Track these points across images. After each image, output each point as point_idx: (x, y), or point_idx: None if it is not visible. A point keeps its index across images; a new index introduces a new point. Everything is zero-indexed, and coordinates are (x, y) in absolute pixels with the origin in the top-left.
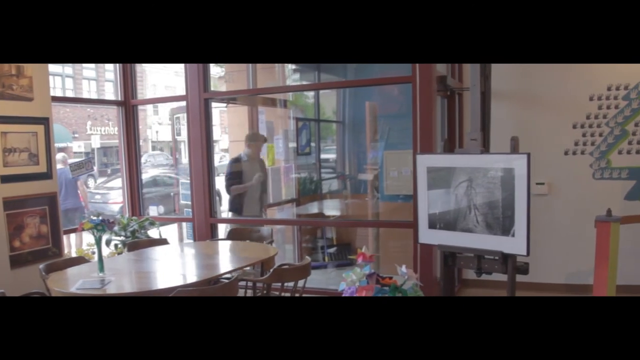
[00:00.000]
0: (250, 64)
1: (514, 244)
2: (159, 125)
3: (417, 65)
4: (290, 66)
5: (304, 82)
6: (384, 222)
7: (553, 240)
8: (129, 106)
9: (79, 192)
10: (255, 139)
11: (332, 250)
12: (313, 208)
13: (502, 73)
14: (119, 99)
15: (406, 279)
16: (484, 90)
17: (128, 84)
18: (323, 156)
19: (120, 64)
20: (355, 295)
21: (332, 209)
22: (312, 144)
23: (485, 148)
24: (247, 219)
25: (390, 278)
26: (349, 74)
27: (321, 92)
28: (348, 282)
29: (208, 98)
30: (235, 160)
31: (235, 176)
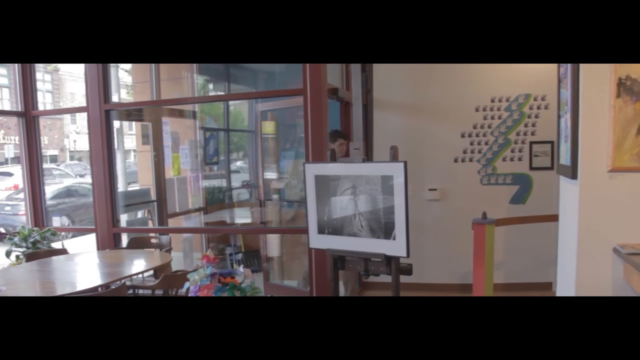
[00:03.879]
0: (153, 75)
1: (395, 247)
2: (77, 134)
3: (308, 77)
4: (200, 76)
5: (218, 93)
6: (281, 228)
7: (444, 242)
8: (29, 117)
9: None
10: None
11: (240, 257)
12: (220, 216)
13: (394, 86)
14: (19, 109)
15: (244, 279)
16: (366, 103)
17: (28, 94)
18: (235, 165)
19: (19, 72)
20: (198, 294)
21: (239, 217)
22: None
23: (367, 157)
24: (150, 228)
25: (232, 277)
26: (260, 85)
27: (237, 101)
28: (191, 281)
29: (109, 109)
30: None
31: None
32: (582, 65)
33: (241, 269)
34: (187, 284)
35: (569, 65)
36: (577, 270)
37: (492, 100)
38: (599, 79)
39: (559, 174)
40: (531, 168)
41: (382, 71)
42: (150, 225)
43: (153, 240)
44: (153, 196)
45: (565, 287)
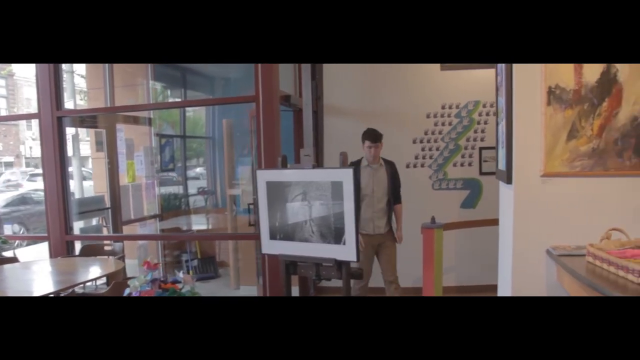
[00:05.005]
0: (107, 81)
1: (345, 251)
2: (33, 140)
3: (260, 84)
4: (155, 83)
5: (175, 99)
6: (234, 234)
7: (397, 247)
8: None
9: None
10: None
11: (195, 263)
12: (176, 223)
13: (346, 92)
14: None
15: (184, 284)
16: (316, 110)
17: None
18: (192, 171)
19: None
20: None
21: (195, 223)
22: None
23: (318, 163)
24: (104, 236)
25: (173, 283)
26: (217, 91)
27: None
28: (131, 287)
29: (61, 116)
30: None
31: None
32: (515, 75)
33: (181, 274)
34: (127, 290)
35: (504, 74)
36: (513, 272)
37: (443, 107)
38: (530, 87)
39: (497, 179)
40: (481, 173)
41: (333, 78)
42: (105, 232)
43: (106, 248)
44: (107, 203)
45: (505, 288)
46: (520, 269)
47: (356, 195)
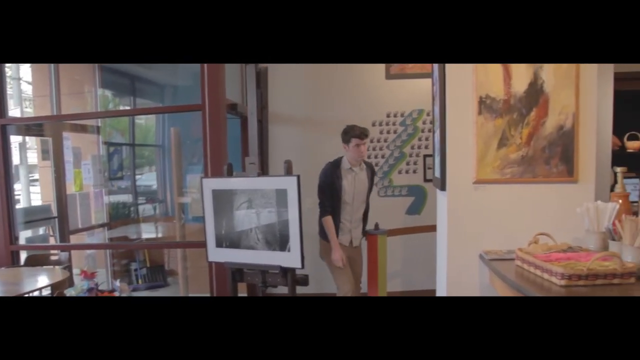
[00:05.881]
0: (54, 89)
1: (290, 258)
2: None
3: (207, 92)
4: (105, 91)
5: (124, 107)
6: (182, 242)
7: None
8: None
9: None
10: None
11: (144, 272)
12: (125, 231)
13: (292, 101)
14: None
15: (120, 293)
16: (260, 119)
17: None
18: (141, 180)
19: None
20: None
21: (143, 232)
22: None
23: (263, 171)
24: (50, 245)
25: (110, 292)
26: (166, 99)
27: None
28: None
29: (5, 124)
30: (334, 167)
31: (330, 190)
32: (447, 85)
33: (117, 283)
34: None
35: (438, 83)
36: (448, 276)
37: (388, 115)
38: (462, 97)
39: (434, 186)
40: (425, 180)
41: (279, 86)
42: (52, 242)
43: (52, 258)
44: (54, 212)
45: (441, 292)
46: (454, 273)
47: (300, 202)
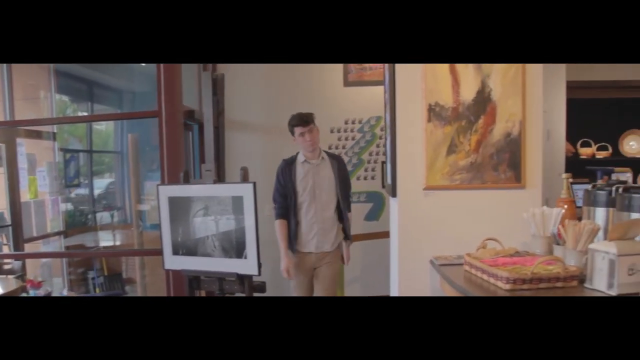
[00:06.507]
0: (7, 94)
1: (247, 266)
2: None
3: (163, 98)
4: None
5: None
6: (138, 250)
7: None
8: None
9: None
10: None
11: (101, 280)
12: (82, 239)
13: (249, 108)
14: None
15: None
16: (217, 125)
17: None
18: (99, 187)
19: None
20: None
21: (101, 240)
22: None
23: (219, 178)
24: (2, 254)
25: None
26: (125, 105)
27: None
28: None
29: None
30: (287, 164)
31: (284, 190)
32: (397, 92)
33: (65, 292)
34: None
35: (389, 91)
36: (399, 281)
37: (346, 122)
38: (412, 104)
39: (387, 192)
40: (383, 186)
41: (235, 93)
42: (6, 250)
43: (6, 267)
44: (8, 220)
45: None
46: (406, 278)
47: (256, 210)
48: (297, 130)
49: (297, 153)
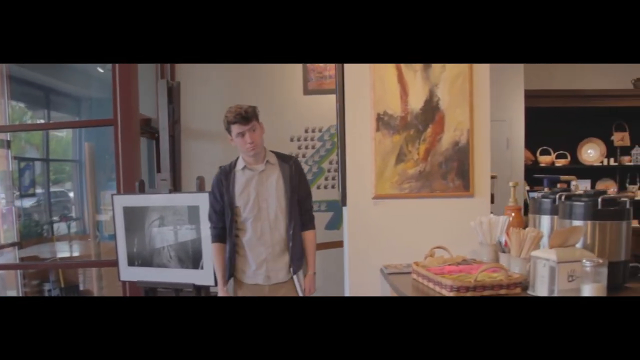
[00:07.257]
0: None
1: (203, 276)
2: None
3: (119, 106)
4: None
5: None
6: (94, 261)
7: None
8: None
9: None
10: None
11: (58, 292)
12: (37, 251)
13: (207, 116)
14: None
15: None
16: (172, 134)
17: None
18: (55, 197)
19: None
20: None
21: (58, 251)
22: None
23: (175, 187)
24: None
25: None
26: (83, 113)
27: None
28: None
29: None
30: (224, 172)
31: (221, 206)
32: (346, 101)
33: None
34: None
35: (338, 100)
36: (350, 289)
37: (306, 131)
38: (360, 113)
39: (339, 201)
40: None
41: (192, 101)
42: None
43: None
44: None
45: None
46: (357, 287)
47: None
48: (235, 128)
49: (237, 158)
